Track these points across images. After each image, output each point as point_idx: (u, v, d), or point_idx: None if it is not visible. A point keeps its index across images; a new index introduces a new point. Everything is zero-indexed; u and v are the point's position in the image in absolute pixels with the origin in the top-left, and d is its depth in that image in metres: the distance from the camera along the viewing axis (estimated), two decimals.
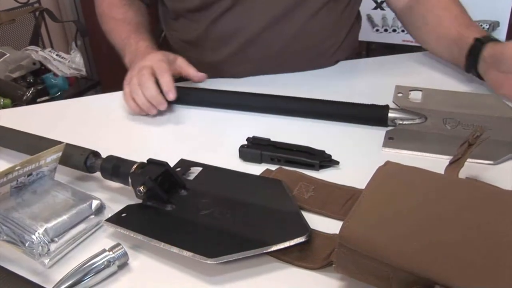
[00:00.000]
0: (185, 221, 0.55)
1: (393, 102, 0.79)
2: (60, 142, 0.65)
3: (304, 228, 0.51)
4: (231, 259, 0.47)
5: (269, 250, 0.48)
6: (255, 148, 0.68)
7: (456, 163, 0.56)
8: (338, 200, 0.57)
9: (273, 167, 0.65)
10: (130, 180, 0.59)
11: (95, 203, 0.58)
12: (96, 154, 0.66)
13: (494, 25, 1.91)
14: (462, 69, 0.86)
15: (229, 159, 0.68)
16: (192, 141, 0.76)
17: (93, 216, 0.57)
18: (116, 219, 0.56)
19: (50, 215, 0.55)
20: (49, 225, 0.53)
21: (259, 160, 0.68)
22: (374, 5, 2.11)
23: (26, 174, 0.59)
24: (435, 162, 0.59)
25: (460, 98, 0.80)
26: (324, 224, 0.53)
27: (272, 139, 0.69)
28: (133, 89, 0.83)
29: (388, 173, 0.49)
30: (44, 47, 2.32)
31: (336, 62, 1.01)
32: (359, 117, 0.76)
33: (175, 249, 0.50)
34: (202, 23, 0.97)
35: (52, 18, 2.36)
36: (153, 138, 0.79)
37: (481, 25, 1.88)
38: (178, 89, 0.83)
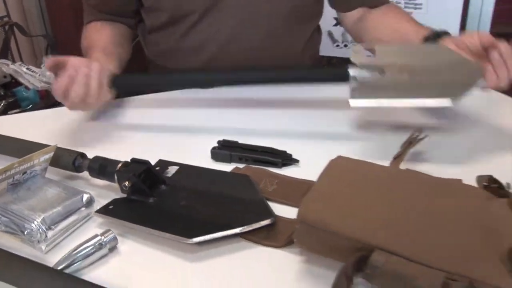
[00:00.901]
0: (166, 210, 0.64)
1: (351, 60, 0.82)
2: (47, 146, 0.72)
3: (269, 213, 0.60)
4: (208, 239, 0.56)
5: (241, 231, 0.57)
6: (225, 149, 0.77)
7: (398, 158, 0.66)
8: (298, 191, 0.66)
9: (241, 166, 0.74)
10: (116, 177, 0.67)
11: (85, 196, 0.65)
12: (83, 155, 0.74)
13: None
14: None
15: (202, 160, 0.77)
16: (169, 144, 0.84)
17: (83, 208, 0.65)
18: (105, 210, 0.64)
19: (46, 206, 0.62)
20: (46, 214, 0.61)
21: (228, 160, 0.77)
22: (334, 22, 2.24)
23: (21, 172, 0.66)
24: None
25: (412, 49, 0.86)
26: (286, 212, 0.62)
27: (239, 141, 0.79)
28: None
29: (338, 164, 0.59)
30: (13, 61, 2.36)
31: None
32: (322, 76, 0.85)
33: (158, 233, 0.58)
34: (173, 37, 1.06)
35: (22, 32, 2.41)
36: (131, 142, 0.87)
37: None
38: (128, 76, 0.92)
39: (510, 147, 0.79)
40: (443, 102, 0.69)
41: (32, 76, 2.23)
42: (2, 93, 2.13)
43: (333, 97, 0.97)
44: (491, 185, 0.58)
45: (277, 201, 0.65)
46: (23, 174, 0.67)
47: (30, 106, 2.09)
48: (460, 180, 0.59)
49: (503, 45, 0.77)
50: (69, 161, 0.73)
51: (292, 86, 0.98)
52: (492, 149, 0.78)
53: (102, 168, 0.69)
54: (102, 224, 0.64)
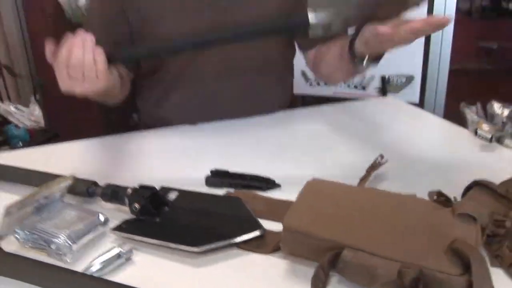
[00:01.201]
0: (171, 227, 0.76)
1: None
2: (64, 176, 0.84)
3: (259, 226, 0.73)
4: (211, 248, 0.68)
5: (237, 240, 0.70)
6: (217, 177, 0.90)
7: (364, 179, 0.80)
8: (281, 210, 0.77)
9: (232, 190, 0.87)
10: (127, 200, 0.79)
11: (102, 216, 0.77)
12: (95, 183, 0.85)
13: (409, 78, 2.23)
14: (348, 56, 0.95)
15: (197, 186, 0.89)
16: (168, 173, 0.97)
17: (100, 226, 0.76)
18: (119, 228, 0.76)
19: (69, 225, 0.74)
20: (71, 231, 0.72)
21: (220, 186, 0.89)
22: None
23: (44, 197, 0.78)
24: None
25: None
26: (272, 226, 0.75)
27: (229, 170, 0.92)
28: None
29: (314, 184, 0.72)
30: (1, 100, 2.46)
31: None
32: (285, 27, 0.90)
33: (167, 244, 0.70)
34: (156, 92, 1.22)
35: (11, 73, 2.52)
36: (135, 171, 0.99)
37: (398, 79, 2.20)
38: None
39: (457, 168, 0.94)
40: None
41: (21, 115, 2.35)
42: None
43: (307, 128, 1.12)
44: (439, 198, 0.72)
45: (264, 218, 0.78)
46: (45, 199, 0.78)
47: (20, 143, 2.19)
48: (414, 195, 0.73)
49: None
50: (83, 188, 0.85)
51: (270, 120, 1.13)
52: (442, 170, 0.93)
53: (114, 193, 0.81)
54: (116, 240, 0.75)
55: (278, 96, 1.27)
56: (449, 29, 2.14)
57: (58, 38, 0.93)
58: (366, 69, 0.95)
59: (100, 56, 0.89)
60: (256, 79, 1.20)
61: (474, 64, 5.39)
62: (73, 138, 1.12)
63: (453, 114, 1.21)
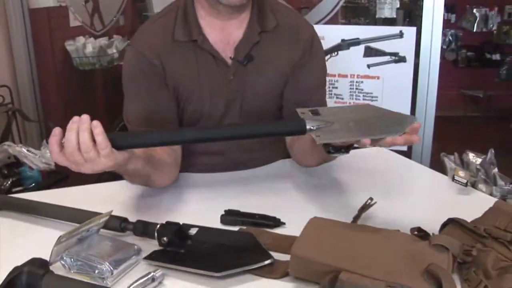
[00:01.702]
0: (194, 256, 0.90)
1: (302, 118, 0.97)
2: (101, 213, 0.98)
3: (269, 256, 0.87)
4: (230, 273, 0.82)
5: (251, 267, 0.84)
6: (230, 216, 1.05)
7: (356, 218, 0.95)
8: (286, 244, 0.93)
9: (244, 227, 1.01)
10: (156, 234, 0.93)
11: (135, 247, 0.91)
12: (126, 220, 0.99)
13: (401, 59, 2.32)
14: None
15: (214, 224, 1.03)
16: (188, 213, 1.11)
17: (134, 256, 0.90)
18: (150, 257, 0.90)
19: (109, 253, 0.88)
20: (112, 259, 0.86)
21: (234, 224, 1.04)
22: None
23: (86, 230, 0.92)
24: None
25: (348, 108, 1.09)
26: (279, 257, 0.89)
27: (241, 210, 1.06)
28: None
29: (315, 221, 0.87)
30: (14, 143, 2.60)
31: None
32: (282, 132, 1.07)
33: (193, 270, 0.84)
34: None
35: (24, 117, 2.68)
36: (159, 210, 1.12)
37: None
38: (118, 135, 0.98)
39: (436, 208, 1.10)
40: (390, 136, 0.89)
41: (34, 158, 2.48)
42: (6, 172, 2.35)
43: (307, 175, 1.27)
44: (419, 233, 0.87)
45: (271, 250, 0.92)
46: (86, 232, 0.92)
47: (33, 184, 2.31)
48: (398, 230, 0.88)
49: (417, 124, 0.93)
50: (116, 224, 0.99)
51: (274, 168, 1.32)
52: (423, 210, 1.09)
53: (145, 228, 0.95)
54: (148, 268, 0.89)
55: (281, 152, 1.40)
56: (434, 79, 2.28)
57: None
58: (337, 157, 1.11)
59: (100, 135, 0.89)
60: (261, 149, 1.36)
61: (460, 111, 5.63)
62: (82, 180, 1.24)
63: (440, 160, 1.36)
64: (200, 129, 1.07)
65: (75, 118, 0.92)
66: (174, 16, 1.24)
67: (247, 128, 1.04)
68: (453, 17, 5.36)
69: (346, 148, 1.00)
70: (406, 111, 2.34)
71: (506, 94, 5.58)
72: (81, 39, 3.40)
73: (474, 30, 5.40)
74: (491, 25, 5.40)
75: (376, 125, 0.93)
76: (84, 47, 3.41)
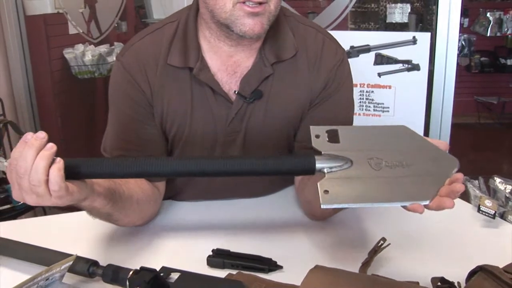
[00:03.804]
0: None
1: (313, 146, 0.78)
2: (66, 254, 0.84)
3: None
4: None
5: None
6: (218, 257, 0.90)
7: (366, 264, 0.79)
8: None
9: (233, 272, 0.86)
10: (128, 283, 0.79)
11: None
12: (96, 263, 0.85)
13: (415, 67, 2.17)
14: None
15: (199, 266, 0.88)
16: (169, 252, 0.96)
17: None
18: None
19: None
20: None
21: (222, 266, 0.88)
22: None
23: (45, 279, 0.77)
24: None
25: (375, 133, 0.83)
26: None
27: (231, 249, 0.91)
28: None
29: (316, 272, 0.72)
30: (5, 157, 2.48)
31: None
32: (287, 170, 0.79)
33: None
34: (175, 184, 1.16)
35: (16, 130, 2.55)
36: (136, 249, 0.98)
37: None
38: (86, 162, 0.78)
39: (460, 246, 0.93)
40: (420, 203, 0.71)
41: None
42: None
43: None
44: (443, 285, 0.72)
45: None
46: (45, 280, 0.78)
47: (21, 202, 2.18)
48: (417, 282, 0.72)
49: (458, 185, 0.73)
50: (84, 268, 0.84)
51: (272, 199, 1.16)
52: (445, 250, 0.92)
53: (115, 275, 0.81)
54: None
55: (286, 182, 1.23)
56: (450, 88, 2.15)
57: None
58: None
59: (55, 172, 0.72)
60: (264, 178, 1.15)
61: (474, 118, 5.47)
62: None
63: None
64: (183, 160, 0.81)
65: (41, 134, 0.73)
66: (172, 33, 1.04)
67: (241, 163, 0.79)
68: (466, 22, 5.20)
69: None
70: (420, 122, 2.21)
71: None
72: (80, 47, 3.28)
73: (488, 35, 5.24)
74: (506, 29, 5.24)
75: (405, 177, 0.73)
76: (83, 55, 3.30)
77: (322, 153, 0.76)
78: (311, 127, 0.80)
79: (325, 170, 0.74)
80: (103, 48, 3.41)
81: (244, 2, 0.91)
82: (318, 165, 0.75)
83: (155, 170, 0.79)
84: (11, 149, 2.58)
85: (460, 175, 0.73)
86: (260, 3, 0.91)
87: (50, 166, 0.72)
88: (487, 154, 4.46)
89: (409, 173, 0.72)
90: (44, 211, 2.42)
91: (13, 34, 2.87)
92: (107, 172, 0.79)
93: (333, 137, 0.79)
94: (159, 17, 3.56)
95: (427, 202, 0.70)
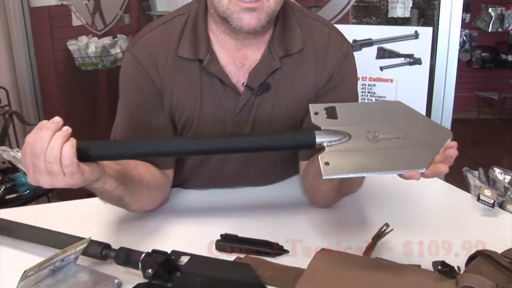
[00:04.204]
0: None
1: (313, 123, 0.82)
2: (80, 238, 0.87)
3: None
4: None
5: None
6: (227, 242, 0.92)
7: (370, 248, 0.82)
8: (289, 276, 0.81)
9: (242, 256, 0.89)
10: (140, 265, 0.82)
11: (116, 281, 0.80)
12: (108, 246, 0.88)
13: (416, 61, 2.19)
14: None
15: (208, 250, 0.91)
16: (179, 236, 0.99)
17: None
18: None
19: None
20: None
21: (230, 251, 0.91)
22: None
23: (61, 260, 0.80)
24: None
25: (372, 108, 0.87)
26: None
27: (239, 234, 0.94)
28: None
29: (322, 255, 0.75)
30: (11, 147, 2.50)
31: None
32: (288, 145, 0.83)
33: None
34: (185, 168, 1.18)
35: (21, 120, 2.58)
36: (147, 233, 1.01)
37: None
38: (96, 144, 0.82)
39: (460, 233, 0.96)
40: (416, 170, 0.74)
41: None
42: (0, 178, 2.25)
43: None
44: (443, 268, 0.75)
45: (273, 285, 0.80)
46: (61, 261, 0.81)
47: (28, 191, 2.21)
48: (419, 266, 0.75)
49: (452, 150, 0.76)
50: (97, 251, 0.87)
51: (279, 187, 1.19)
52: (446, 236, 0.95)
53: (128, 257, 0.84)
54: None
55: (291, 170, 1.25)
56: (452, 82, 2.17)
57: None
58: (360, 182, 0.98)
59: (68, 148, 0.76)
60: (270, 166, 1.20)
61: (474, 113, 5.50)
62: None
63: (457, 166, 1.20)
64: (191, 139, 0.85)
65: (57, 119, 0.78)
66: (181, 26, 1.06)
67: (247, 139, 0.84)
68: (467, 17, 5.21)
69: None
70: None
71: None
72: (83, 39, 3.30)
73: (489, 30, 5.26)
74: (507, 25, 5.25)
75: (401, 148, 0.76)
76: (87, 47, 3.32)
77: (322, 128, 0.79)
78: (310, 105, 0.84)
79: (325, 144, 0.77)
80: (107, 40, 3.43)
81: None
82: (318, 139, 0.78)
83: (166, 149, 0.83)
84: (16, 139, 2.61)
85: (454, 143, 0.77)
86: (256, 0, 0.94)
87: None
88: (487, 149, 4.49)
89: (405, 144, 0.75)
90: (49, 200, 2.45)
91: (18, 26, 2.89)
92: (118, 152, 0.83)
93: (331, 113, 0.82)
94: (163, 9, 3.58)
95: (423, 170, 0.73)
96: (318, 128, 0.80)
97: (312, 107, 0.83)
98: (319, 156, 0.75)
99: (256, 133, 0.85)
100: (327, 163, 0.73)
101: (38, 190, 2.26)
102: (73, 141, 0.77)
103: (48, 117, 0.79)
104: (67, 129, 0.77)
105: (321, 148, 0.78)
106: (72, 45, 3.26)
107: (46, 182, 0.77)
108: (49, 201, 2.44)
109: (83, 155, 0.79)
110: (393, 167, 0.75)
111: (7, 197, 2.15)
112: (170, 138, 0.90)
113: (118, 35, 3.55)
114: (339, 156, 0.75)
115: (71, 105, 3.23)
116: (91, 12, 3.09)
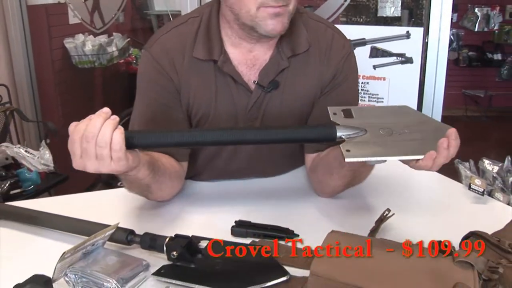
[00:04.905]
0: (206, 272, 0.85)
1: (332, 121, 0.93)
2: (106, 225, 0.94)
3: (285, 272, 0.83)
4: None
5: (266, 285, 0.80)
6: (241, 227, 1.00)
7: (374, 231, 0.91)
8: (300, 257, 0.89)
9: (256, 240, 0.97)
10: (165, 248, 0.89)
11: (144, 263, 0.87)
12: (133, 232, 0.95)
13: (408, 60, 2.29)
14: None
15: (224, 236, 0.99)
16: (197, 223, 1.06)
17: (142, 272, 0.86)
18: (159, 273, 0.85)
19: (116, 269, 0.83)
20: (120, 276, 0.82)
21: (245, 235, 0.99)
22: None
23: (92, 244, 0.88)
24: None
25: (383, 110, 1.03)
26: (294, 272, 0.85)
27: (252, 220, 1.02)
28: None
29: (333, 236, 0.83)
30: (12, 143, 2.55)
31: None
32: (312, 138, 0.95)
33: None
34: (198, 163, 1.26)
35: (22, 117, 2.63)
36: (167, 220, 1.08)
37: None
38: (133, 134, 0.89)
39: (454, 219, 1.06)
40: (416, 157, 0.85)
41: (32, 159, 2.43)
42: (3, 174, 2.31)
43: None
44: (442, 248, 0.83)
45: (285, 265, 0.88)
46: (92, 246, 0.88)
47: (32, 186, 2.27)
48: (417, 245, 0.83)
49: (453, 136, 0.86)
50: (122, 237, 0.94)
51: (287, 177, 1.27)
52: (441, 221, 1.05)
53: (153, 241, 0.91)
54: (156, 284, 0.85)
55: (297, 163, 1.33)
56: (442, 80, 2.26)
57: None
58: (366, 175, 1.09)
59: (118, 135, 0.84)
60: (277, 158, 1.28)
61: (461, 110, 5.61)
62: (83, 181, 1.19)
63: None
64: (224, 129, 0.94)
65: (106, 109, 0.86)
66: (195, 28, 1.14)
67: (269, 132, 0.94)
68: (455, 16, 5.32)
69: None
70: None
71: (507, 94, 5.57)
72: (80, 37, 3.35)
73: (476, 30, 5.38)
74: (493, 25, 5.38)
75: (411, 140, 0.87)
76: (84, 45, 3.36)
77: (340, 124, 0.91)
78: (328, 107, 0.96)
79: (344, 137, 0.88)
80: (103, 38, 3.48)
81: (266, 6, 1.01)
82: (339, 133, 0.89)
83: (201, 139, 0.94)
84: (17, 136, 2.66)
85: (452, 130, 0.87)
86: (281, 6, 1.02)
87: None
88: (475, 145, 4.59)
89: (415, 137, 0.87)
90: (50, 195, 2.50)
91: (15, 23, 2.93)
92: (159, 141, 0.92)
93: (348, 114, 0.95)
94: (161, 9, 3.63)
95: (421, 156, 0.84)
96: (337, 125, 0.91)
97: (331, 109, 0.96)
98: (340, 146, 0.86)
99: (283, 126, 0.97)
100: (348, 150, 0.85)
101: (41, 185, 2.33)
102: (121, 128, 0.85)
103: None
104: (115, 118, 0.85)
105: (339, 142, 0.88)
106: (69, 43, 3.30)
107: (92, 166, 0.84)
108: (50, 196, 2.50)
109: (128, 143, 0.87)
110: (405, 152, 0.85)
111: (12, 192, 2.21)
112: (205, 129, 1.05)
113: (114, 33, 3.60)
114: (358, 145, 0.86)
115: (68, 102, 3.27)
116: (89, 11, 3.14)
